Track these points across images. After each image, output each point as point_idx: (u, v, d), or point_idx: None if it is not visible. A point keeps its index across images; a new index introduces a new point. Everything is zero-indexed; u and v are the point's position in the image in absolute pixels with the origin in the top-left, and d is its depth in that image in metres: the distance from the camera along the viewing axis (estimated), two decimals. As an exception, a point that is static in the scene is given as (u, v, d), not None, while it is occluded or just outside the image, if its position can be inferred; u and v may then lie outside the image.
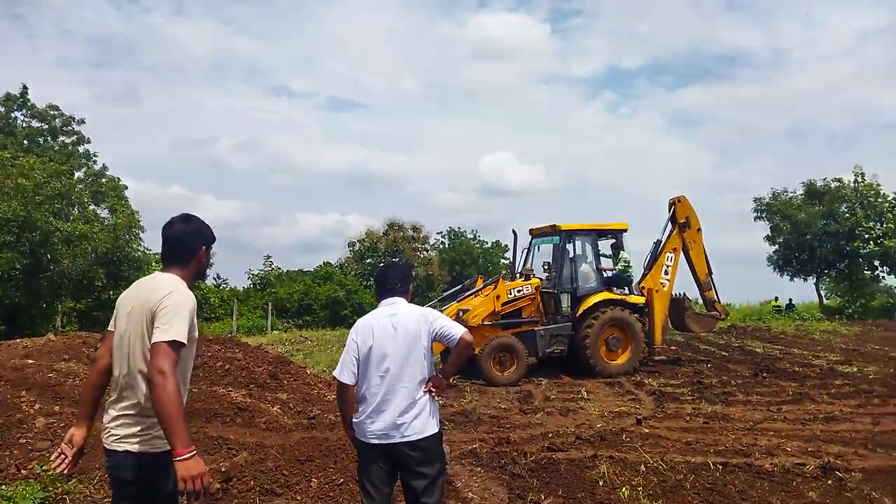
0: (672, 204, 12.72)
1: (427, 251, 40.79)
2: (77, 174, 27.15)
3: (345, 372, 3.22)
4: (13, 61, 65.07)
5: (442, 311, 10.07)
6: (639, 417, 7.42)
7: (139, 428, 2.54)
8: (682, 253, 12.61)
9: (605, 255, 12.48)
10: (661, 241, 12.59)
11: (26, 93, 29.88)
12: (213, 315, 23.18)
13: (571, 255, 11.71)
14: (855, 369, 11.41)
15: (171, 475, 2.35)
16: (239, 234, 68.41)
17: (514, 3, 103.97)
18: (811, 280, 29.93)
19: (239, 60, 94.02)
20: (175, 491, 2.39)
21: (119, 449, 2.55)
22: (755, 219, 30.43)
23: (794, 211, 28.74)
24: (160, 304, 2.52)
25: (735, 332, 19.92)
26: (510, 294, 11.18)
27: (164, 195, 65.19)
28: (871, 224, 26.64)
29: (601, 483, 4.95)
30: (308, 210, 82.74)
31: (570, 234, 11.74)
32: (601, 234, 12.22)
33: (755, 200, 30.40)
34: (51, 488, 4.55)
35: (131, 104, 75.96)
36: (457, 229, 43.11)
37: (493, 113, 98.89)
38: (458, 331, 3.22)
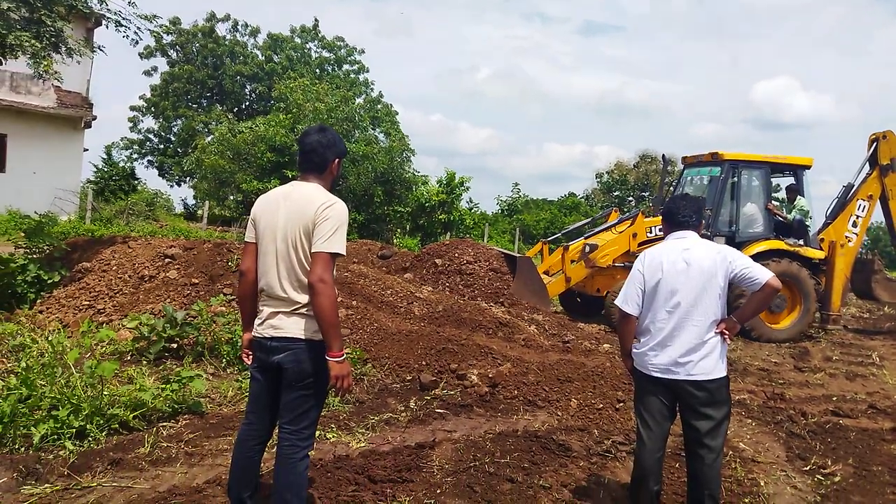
0: (874, 140, 9.83)
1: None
2: (358, 100, 30.43)
3: (629, 302, 3.17)
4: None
5: (567, 247, 9.35)
6: (955, 396, 6.19)
7: (298, 320, 2.59)
8: (879, 202, 9.92)
9: (778, 199, 10.19)
10: (854, 186, 9.90)
11: (317, 26, 33.80)
12: (467, 235, 24.68)
13: (734, 191, 9.39)
14: None
15: (323, 366, 2.54)
16: (490, 162, 71.29)
17: None
18: None
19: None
20: (322, 381, 2.57)
21: (284, 335, 2.58)
22: None
23: None
24: (320, 216, 2.52)
25: None
26: (650, 232, 9.29)
27: (427, 122, 70.28)
28: None
29: (906, 462, 4.27)
30: (556, 140, 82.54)
31: (735, 166, 9.39)
32: (776, 168, 9.77)
33: None
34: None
35: (404, 37, 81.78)
36: (719, 164, 39.44)
37: (774, 35, 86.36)
38: (763, 275, 2.96)
